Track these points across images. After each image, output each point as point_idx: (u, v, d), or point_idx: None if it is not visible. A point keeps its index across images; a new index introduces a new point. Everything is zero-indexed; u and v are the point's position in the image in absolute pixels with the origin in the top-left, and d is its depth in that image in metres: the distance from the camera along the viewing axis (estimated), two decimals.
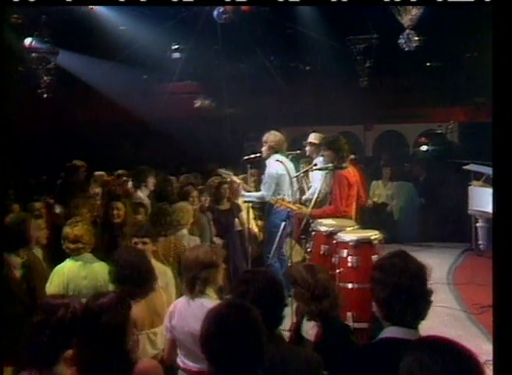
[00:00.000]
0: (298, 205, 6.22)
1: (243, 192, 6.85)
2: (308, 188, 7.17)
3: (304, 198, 6.87)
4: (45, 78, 9.72)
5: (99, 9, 9.83)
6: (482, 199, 7.73)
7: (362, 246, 5.11)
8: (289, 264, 5.69)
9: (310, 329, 3.29)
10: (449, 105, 12.53)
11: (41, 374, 2.43)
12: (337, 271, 5.06)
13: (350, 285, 4.99)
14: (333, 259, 5.20)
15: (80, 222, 4.44)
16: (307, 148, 7.20)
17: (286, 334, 3.52)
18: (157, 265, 4.27)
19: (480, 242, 8.37)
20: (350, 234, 5.27)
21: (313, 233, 5.63)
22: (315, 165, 6.52)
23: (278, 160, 6.49)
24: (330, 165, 6.02)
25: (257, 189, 6.97)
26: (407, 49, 8.97)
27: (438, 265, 7.95)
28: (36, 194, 6.92)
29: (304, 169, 6.91)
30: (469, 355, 1.81)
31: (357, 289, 4.91)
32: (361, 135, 14.18)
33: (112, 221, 5.64)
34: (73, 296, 3.38)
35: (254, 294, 2.55)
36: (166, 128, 11.70)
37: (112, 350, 2.51)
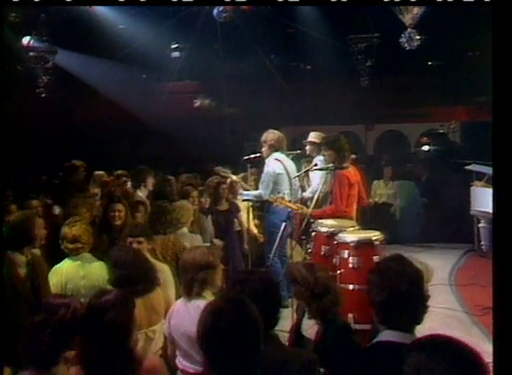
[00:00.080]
0: (298, 204, 6.16)
1: (241, 191, 6.81)
2: (309, 187, 7.12)
3: (304, 195, 6.82)
4: (44, 77, 9.67)
5: (98, 8, 9.78)
6: (484, 200, 7.65)
7: (363, 247, 5.07)
8: None
9: (310, 328, 3.29)
10: (450, 104, 12.49)
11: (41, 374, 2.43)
12: (338, 272, 5.03)
13: (351, 286, 4.93)
14: (334, 260, 5.17)
15: (78, 221, 4.45)
16: (307, 147, 7.17)
17: (287, 336, 3.51)
18: (154, 262, 4.26)
19: (482, 243, 8.30)
20: (351, 235, 5.23)
21: (313, 233, 5.59)
22: (316, 165, 6.46)
23: (276, 159, 6.47)
24: (331, 165, 5.99)
25: (257, 188, 6.92)
26: (408, 48, 8.92)
27: (440, 266, 7.91)
28: (34, 194, 6.88)
29: (305, 169, 6.86)
30: (473, 353, 1.82)
31: (358, 290, 4.85)
32: (362, 135, 14.16)
33: (113, 223, 5.62)
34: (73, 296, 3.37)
35: (249, 294, 2.53)
36: (165, 128, 11.68)
37: (117, 347, 2.51)
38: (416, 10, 8.59)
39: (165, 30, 10.17)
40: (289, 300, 4.93)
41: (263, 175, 6.52)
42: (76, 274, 4.21)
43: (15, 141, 9.21)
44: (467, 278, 7.39)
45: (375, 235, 5.20)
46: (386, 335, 2.44)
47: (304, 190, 7.01)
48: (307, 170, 6.76)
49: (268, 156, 6.57)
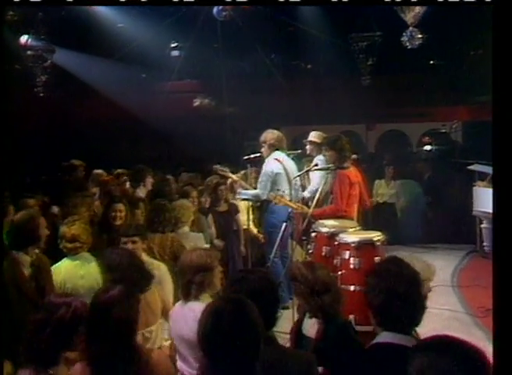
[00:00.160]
0: (298, 204, 6.11)
1: (239, 190, 6.76)
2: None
3: (304, 195, 6.76)
4: (42, 76, 9.62)
5: (97, 7, 9.72)
6: (487, 200, 7.58)
7: (364, 247, 5.02)
8: None
9: (311, 327, 3.27)
10: (452, 103, 12.41)
11: (40, 374, 2.43)
12: (339, 273, 4.97)
13: (352, 287, 4.87)
14: (335, 261, 5.12)
15: (77, 221, 4.45)
16: (308, 147, 7.14)
17: (288, 337, 3.50)
18: (150, 260, 4.26)
19: (485, 244, 8.26)
20: (352, 235, 5.18)
21: (314, 234, 5.53)
22: (316, 164, 6.41)
23: (276, 158, 6.43)
24: (331, 165, 5.96)
25: (257, 187, 6.87)
26: (410, 47, 8.86)
27: (442, 267, 7.82)
28: (31, 194, 6.82)
29: (305, 169, 6.80)
30: (479, 353, 1.82)
31: (359, 291, 4.76)
32: (363, 134, 14.10)
33: (113, 223, 5.59)
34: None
35: (247, 293, 2.49)
36: (165, 127, 11.61)
37: (123, 342, 2.53)
38: (418, 9, 8.53)
39: (165, 28, 10.14)
40: (290, 301, 4.88)
41: (261, 174, 6.50)
42: (75, 274, 4.21)
43: (13, 140, 9.16)
44: (469, 279, 7.36)
45: (376, 236, 5.15)
46: (385, 337, 2.45)
47: (304, 190, 6.96)
48: (308, 170, 6.70)
49: (268, 156, 6.53)
